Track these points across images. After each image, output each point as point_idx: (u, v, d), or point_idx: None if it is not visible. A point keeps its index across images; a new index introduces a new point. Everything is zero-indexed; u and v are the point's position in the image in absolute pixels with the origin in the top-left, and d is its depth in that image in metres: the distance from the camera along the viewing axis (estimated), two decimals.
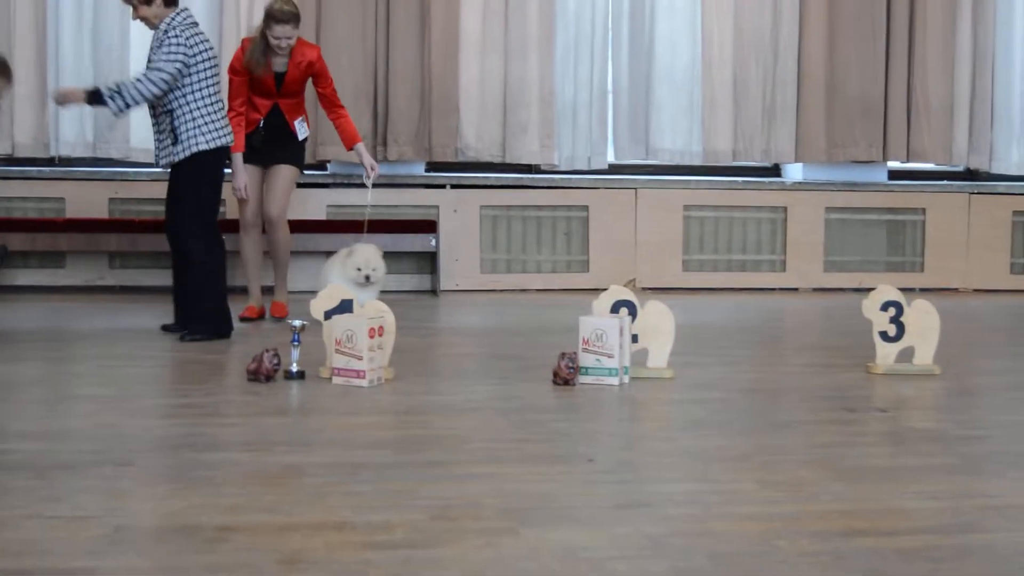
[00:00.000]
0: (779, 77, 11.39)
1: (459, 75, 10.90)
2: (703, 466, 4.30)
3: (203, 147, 7.23)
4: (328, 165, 10.76)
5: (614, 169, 11.38)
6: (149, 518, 3.53)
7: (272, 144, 8.21)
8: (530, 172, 11.18)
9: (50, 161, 10.54)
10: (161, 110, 7.22)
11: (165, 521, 3.50)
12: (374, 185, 8.58)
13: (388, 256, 10.38)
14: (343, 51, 10.55)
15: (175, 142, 7.22)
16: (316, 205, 10.53)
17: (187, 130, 7.20)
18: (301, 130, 8.33)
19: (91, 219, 10.07)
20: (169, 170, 7.37)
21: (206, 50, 7.24)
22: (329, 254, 9.60)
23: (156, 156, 7.38)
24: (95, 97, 7.08)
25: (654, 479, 4.13)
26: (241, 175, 8.07)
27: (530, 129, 11.02)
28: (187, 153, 7.20)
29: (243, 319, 8.06)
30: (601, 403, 5.52)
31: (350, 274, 7.70)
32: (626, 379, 5.99)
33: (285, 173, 8.26)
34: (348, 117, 8.45)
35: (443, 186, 10.88)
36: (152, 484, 3.93)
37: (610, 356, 5.93)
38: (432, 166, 11.05)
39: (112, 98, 7.03)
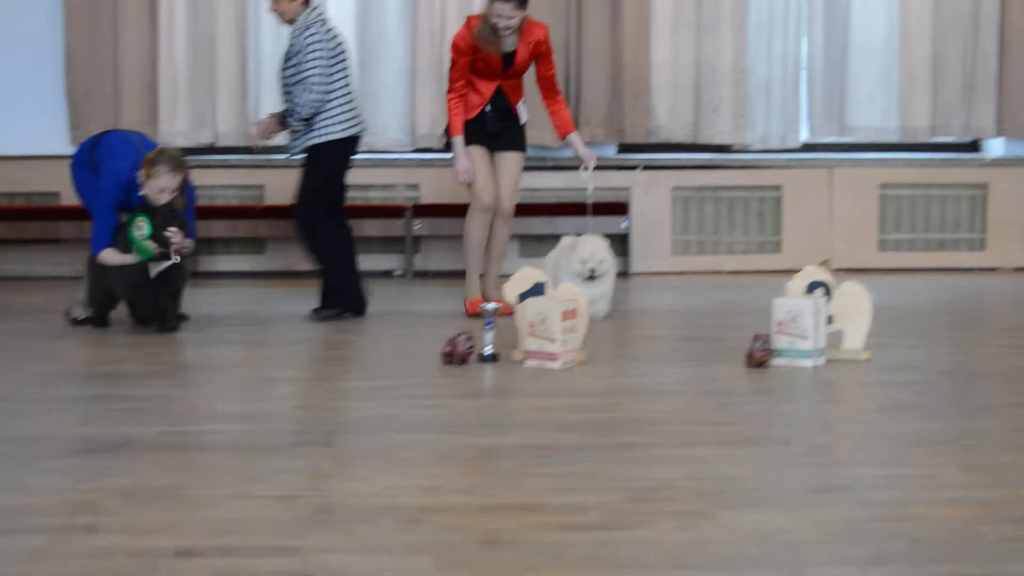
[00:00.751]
0: (980, 49, 11.08)
1: (650, 55, 10.85)
2: (902, 449, 4.23)
3: (331, 136, 7.58)
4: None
5: (808, 148, 11.22)
6: (350, 498, 3.61)
7: (502, 128, 7.90)
8: (723, 152, 11.09)
9: (250, 150, 10.79)
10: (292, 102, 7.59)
11: (365, 501, 3.57)
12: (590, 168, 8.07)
13: None
14: None
15: (308, 131, 7.60)
16: None
17: (319, 120, 7.57)
18: (523, 113, 8.01)
19: (290, 206, 10.28)
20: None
21: (337, 45, 7.62)
22: (518, 238, 9.71)
23: (289, 145, 7.79)
24: (283, 122, 7.72)
25: (852, 462, 4.08)
26: (463, 159, 7.76)
27: (723, 108, 10.93)
28: (316, 141, 7.58)
29: (472, 315, 7.60)
30: (796, 385, 5.46)
31: (574, 267, 7.53)
32: (821, 361, 5.91)
33: (515, 161, 7.99)
34: (564, 105, 8.05)
35: (635, 167, 10.86)
36: (352, 465, 4.01)
37: (805, 338, 5.86)
38: (624, 147, 11.04)
39: (292, 115, 7.59)
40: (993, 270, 10.95)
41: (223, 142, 10.60)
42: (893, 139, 11.12)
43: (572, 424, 4.65)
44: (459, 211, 9.60)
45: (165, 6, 10.66)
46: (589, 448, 4.23)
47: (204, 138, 10.69)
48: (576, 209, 10.30)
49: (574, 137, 8.02)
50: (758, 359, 5.84)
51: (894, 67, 11.07)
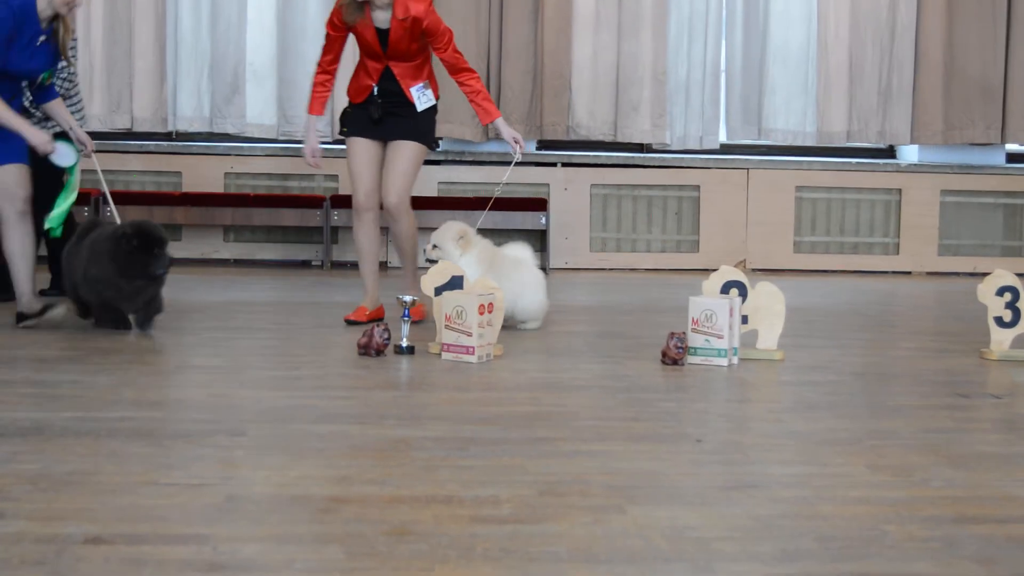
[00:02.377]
0: (896, 57, 11.25)
1: (572, 53, 10.91)
2: (812, 448, 4.27)
3: None
4: (439, 141, 10.81)
5: (726, 149, 11.32)
6: (261, 487, 3.58)
7: (390, 115, 7.11)
8: (641, 151, 11.16)
9: (168, 136, 10.70)
10: None
11: (277, 490, 3.54)
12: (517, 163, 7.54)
13: (498, 233, 10.46)
14: (456, 28, 10.57)
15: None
16: (428, 182, 10.58)
17: None
18: (420, 98, 7.11)
19: (207, 193, 10.22)
20: None
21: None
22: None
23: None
24: None
25: (763, 460, 4.11)
26: (310, 139, 7.21)
27: (642, 108, 11.00)
28: None
29: (349, 322, 7.10)
30: (710, 383, 5.50)
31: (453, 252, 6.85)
32: (735, 360, 5.96)
33: (404, 152, 7.10)
34: (478, 85, 7.13)
35: (554, 164, 10.89)
36: (264, 454, 3.99)
37: (719, 337, 5.91)
38: (544, 144, 11.07)
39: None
40: (906, 274, 11.09)
41: (139, 127, 10.51)
42: (810, 143, 11.26)
43: (487, 417, 4.65)
44: None
45: None
46: (503, 442, 4.24)
47: (121, 123, 10.59)
48: (496, 204, 10.33)
49: (499, 123, 7.21)
50: (673, 356, 5.88)
51: (811, 72, 11.21)
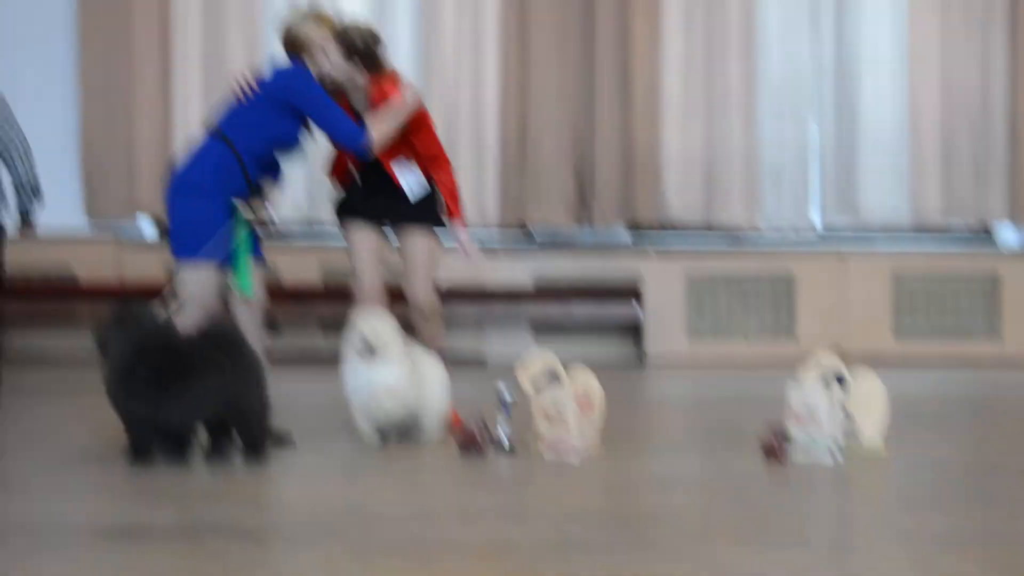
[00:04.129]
0: (990, 136, 11.14)
1: (661, 139, 10.93)
2: (921, 548, 4.19)
3: None
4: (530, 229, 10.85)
5: (820, 234, 11.25)
6: None
7: (383, 197, 6.61)
8: (734, 236, 11.12)
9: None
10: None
11: None
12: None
13: (590, 325, 10.44)
14: (547, 116, 10.66)
15: None
16: (520, 272, 10.59)
17: None
18: (407, 181, 6.58)
19: (304, 288, 10.33)
20: None
21: None
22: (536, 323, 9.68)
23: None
24: None
25: (869, 561, 4.04)
26: None
27: (733, 191, 10.98)
28: None
29: None
30: (813, 480, 5.43)
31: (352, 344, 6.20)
32: (838, 454, 5.88)
33: (419, 246, 6.66)
34: (447, 178, 6.63)
35: (647, 252, 10.89)
36: (366, 555, 3.98)
37: (821, 430, 5.83)
38: (634, 228, 11.06)
39: None
40: (1010, 359, 10.90)
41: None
42: (905, 225, 11.15)
43: (589, 517, 4.62)
44: (470, 296, 9.63)
45: (179, 85, 10.77)
46: (606, 543, 4.20)
47: None
48: (592, 294, 10.34)
49: (459, 230, 6.71)
50: (773, 451, 5.81)
51: (904, 154, 11.13)
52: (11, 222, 7.18)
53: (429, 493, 5.07)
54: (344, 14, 7.77)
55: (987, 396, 8.76)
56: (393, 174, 6.54)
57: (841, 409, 5.95)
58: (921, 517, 4.69)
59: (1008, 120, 11.16)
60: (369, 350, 6.06)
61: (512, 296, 10.31)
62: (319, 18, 6.31)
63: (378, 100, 6.42)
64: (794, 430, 5.88)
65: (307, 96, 6.11)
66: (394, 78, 6.58)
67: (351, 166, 6.60)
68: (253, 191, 6.19)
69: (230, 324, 5.86)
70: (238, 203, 6.11)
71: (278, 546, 4.11)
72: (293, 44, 6.24)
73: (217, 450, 5.60)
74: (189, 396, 5.40)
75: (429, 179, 6.63)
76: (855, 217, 11.22)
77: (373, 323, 6.13)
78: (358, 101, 6.47)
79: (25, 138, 7.08)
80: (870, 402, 6.08)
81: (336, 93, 6.36)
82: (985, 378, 9.79)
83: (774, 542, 4.27)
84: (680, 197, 10.98)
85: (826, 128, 11.19)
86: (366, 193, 6.61)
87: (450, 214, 6.65)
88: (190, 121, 10.75)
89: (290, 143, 6.24)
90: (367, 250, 6.66)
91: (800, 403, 5.87)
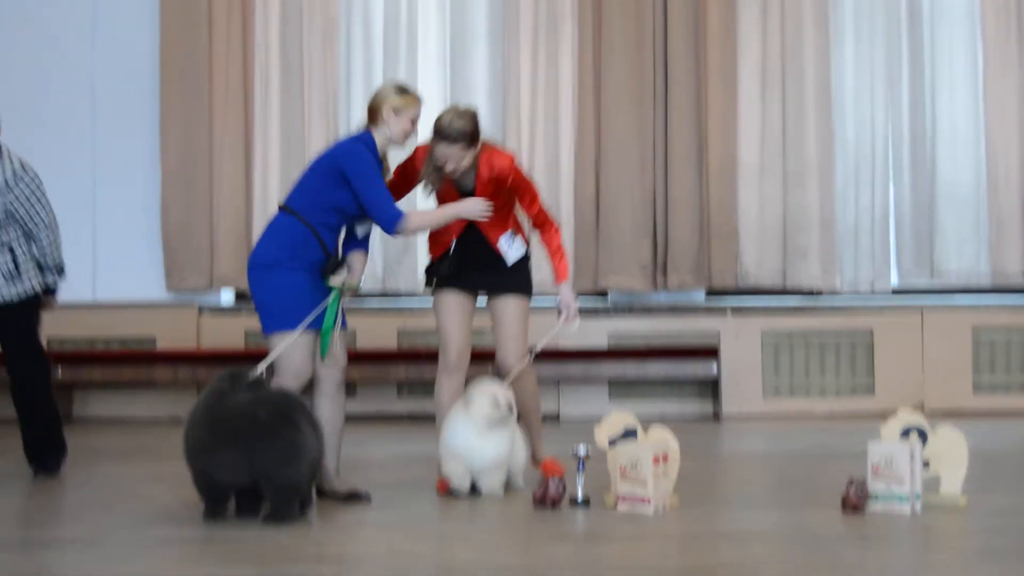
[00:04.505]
0: None
1: (737, 202, 10.93)
2: None
3: None
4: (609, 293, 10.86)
5: (898, 292, 11.17)
6: None
7: (479, 268, 6.72)
8: (811, 296, 11.07)
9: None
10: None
11: None
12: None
13: (670, 383, 10.45)
14: (623, 181, 10.71)
15: None
16: (597, 334, 10.60)
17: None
18: (511, 250, 6.73)
19: (381, 351, 10.40)
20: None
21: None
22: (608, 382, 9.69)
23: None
24: None
25: None
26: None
27: (810, 254, 10.94)
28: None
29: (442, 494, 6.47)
30: (893, 532, 5.38)
31: (486, 412, 6.22)
32: (918, 507, 5.82)
33: (510, 311, 6.76)
34: (558, 240, 6.81)
35: (724, 312, 10.86)
36: None
37: (901, 482, 5.78)
38: (712, 292, 11.05)
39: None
40: None
41: None
42: (984, 283, 11.05)
43: (666, 570, 4.61)
44: (546, 356, 9.68)
45: (259, 159, 10.93)
46: None
47: None
48: (667, 354, 10.35)
49: (563, 287, 6.80)
50: (853, 504, 5.77)
51: (983, 212, 11.05)
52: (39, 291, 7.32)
53: (505, 547, 5.08)
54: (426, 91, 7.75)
55: None
56: (498, 249, 6.70)
57: (921, 462, 5.90)
58: (1000, 568, 4.63)
59: None
60: (507, 413, 6.22)
61: (588, 355, 10.31)
62: (399, 89, 6.35)
63: (485, 174, 6.55)
64: (873, 483, 5.84)
65: (355, 168, 6.16)
66: (495, 150, 6.67)
67: (453, 242, 6.70)
68: (334, 260, 6.25)
69: (289, 394, 5.85)
70: (331, 272, 6.21)
71: None
72: (370, 111, 6.34)
73: (241, 511, 5.70)
74: (230, 457, 5.51)
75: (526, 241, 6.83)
76: (934, 277, 11.13)
77: (502, 391, 6.27)
78: (465, 178, 6.56)
79: (54, 216, 7.27)
80: (950, 455, 6.03)
81: (440, 174, 6.49)
82: None
83: None
84: (757, 262, 10.95)
85: (903, 189, 11.13)
86: (462, 260, 6.70)
87: (556, 274, 6.79)
88: (269, 197, 10.89)
89: (352, 210, 6.28)
90: (457, 317, 6.75)
91: (880, 456, 5.83)
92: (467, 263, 6.71)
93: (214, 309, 10.89)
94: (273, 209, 10.84)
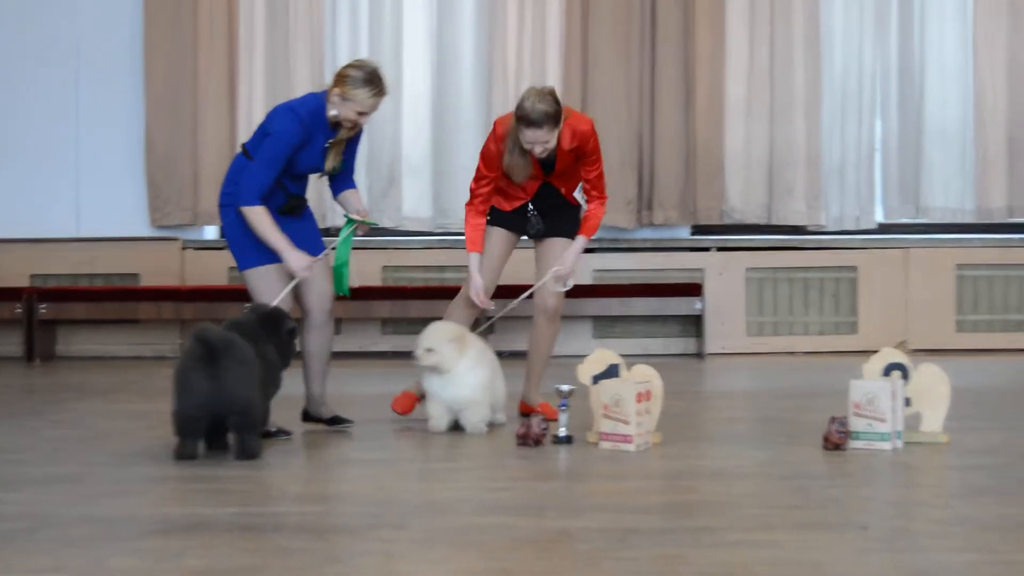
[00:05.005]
0: None
1: (724, 139, 10.90)
2: (982, 535, 4.17)
3: None
4: None
5: (883, 229, 11.18)
6: None
7: (544, 214, 6.82)
8: (796, 234, 11.07)
9: (325, 231, 10.89)
10: None
11: None
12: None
13: (653, 320, 10.45)
14: (609, 118, 10.65)
15: None
16: (582, 271, 10.60)
17: None
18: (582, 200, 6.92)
19: (364, 286, 10.37)
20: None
21: None
22: (592, 319, 9.68)
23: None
24: None
25: (931, 548, 4.02)
26: (475, 278, 6.69)
27: (796, 190, 10.93)
28: None
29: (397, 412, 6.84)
30: (874, 469, 5.41)
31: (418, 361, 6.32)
32: (899, 444, 5.85)
33: (560, 249, 6.80)
34: (600, 211, 6.80)
35: (708, 249, 10.85)
36: (426, 548, 4.01)
37: (882, 420, 5.80)
38: (697, 229, 11.05)
39: None
40: None
41: None
42: (969, 220, 11.06)
43: (648, 507, 4.63)
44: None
45: (244, 93, 10.85)
46: (665, 532, 4.21)
47: None
48: (651, 290, 10.35)
49: (576, 246, 6.79)
50: (835, 442, 5.79)
51: (969, 149, 11.04)
52: None
53: (488, 485, 5.09)
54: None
55: None
56: (573, 199, 6.85)
57: (903, 400, 5.92)
58: (981, 504, 4.67)
59: None
60: (435, 370, 6.25)
61: (572, 292, 10.28)
62: (365, 79, 6.25)
63: (566, 144, 6.54)
64: (855, 421, 5.86)
65: (268, 135, 6.26)
66: (573, 116, 6.63)
67: (528, 203, 6.76)
68: (295, 198, 6.39)
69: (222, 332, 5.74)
70: (290, 210, 6.36)
71: (340, 539, 4.15)
72: (333, 78, 6.36)
73: (213, 446, 5.76)
74: (199, 390, 5.50)
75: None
76: (919, 213, 11.14)
77: (434, 340, 6.26)
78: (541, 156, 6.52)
79: None
80: (932, 392, 6.05)
81: (527, 158, 6.52)
82: None
83: (833, 528, 4.26)
84: (742, 198, 10.93)
85: (890, 125, 11.11)
86: (538, 231, 6.80)
87: (584, 232, 6.78)
88: (254, 130, 10.83)
89: (299, 169, 6.36)
90: (497, 254, 6.81)
91: (862, 394, 5.85)
92: (542, 212, 6.79)
93: (198, 245, 10.86)
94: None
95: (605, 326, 10.65)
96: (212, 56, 10.78)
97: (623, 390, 5.82)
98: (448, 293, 10.23)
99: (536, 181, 6.71)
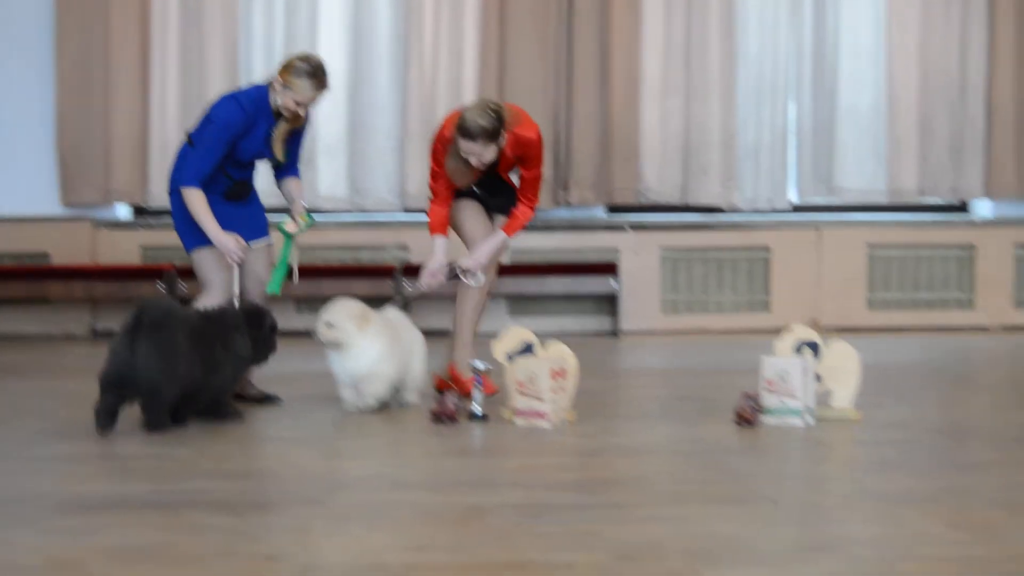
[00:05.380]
0: (967, 113, 11.19)
1: (640, 119, 10.95)
2: (890, 508, 4.23)
3: None
4: None
5: (797, 209, 11.29)
6: (338, 557, 3.60)
7: (489, 194, 6.93)
8: (711, 213, 11.16)
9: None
10: None
11: (353, 560, 3.56)
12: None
13: (568, 299, 10.49)
14: (525, 98, 10.66)
15: None
16: None
17: None
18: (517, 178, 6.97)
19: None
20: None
21: None
22: (506, 298, 9.71)
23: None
24: None
25: (840, 521, 4.08)
26: (437, 257, 6.82)
27: (711, 171, 11.02)
28: None
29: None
30: (785, 444, 5.47)
31: (318, 331, 6.35)
32: (810, 420, 5.92)
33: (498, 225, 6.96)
34: (528, 216, 6.86)
35: (624, 228, 10.91)
36: (340, 524, 4.00)
37: (793, 397, 5.87)
38: (613, 209, 11.10)
39: None
40: (982, 329, 10.98)
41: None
42: (881, 201, 11.20)
43: (561, 483, 4.65)
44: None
45: (157, 72, 10.76)
46: (578, 507, 4.23)
47: None
48: (567, 269, 10.39)
49: (487, 245, 6.83)
50: (747, 418, 5.85)
51: (881, 131, 11.18)
52: None
53: (402, 461, 5.10)
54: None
55: (957, 363, 8.82)
56: (508, 179, 6.88)
57: (814, 376, 5.99)
58: (889, 478, 4.73)
59: (985, 98, 11.20)
60: (334, 345, 6.26)
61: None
62: (309, 71, 6.45)
63: (510, 152, 6.65)
64: (767, 398, 5.92)
65: (210, 125, 6.43)
66: (521, 124, 6.68)
67: (472, 186, 6.83)
68: (238, 184, 6.62)
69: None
70: (234, 196, 6.62)
71: (253, 515, 4.13)
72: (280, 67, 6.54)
73: (176, 421, 5.85)
74: (115, 359, 5.59)
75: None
76: (832, 194, 11.26)
77: (335, 316, 6.29)
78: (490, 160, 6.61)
79: None
80: (843, 369, 6.13)
81: (467, 165, 6.59)
82: (956, 345, 9.86)
83: (744, 502, 4.31)
84: (658, 178, 11.00)
85: (804, 107, 11.22)
86: (483, 195, 6.90)
87: (503, 231, 6.85)
88: (167, 109, 10.75)
89: (242, 156, 6.56)
90: (479, 219, 6.90)
91: (773, 371, 5.91)
92: (487, 190, 6.89)
93: (110, 224, 10.75)
94: (171, 122, 10.76)
95: (521, 305, 10.68)
96: (125, 32, 10.67)
97: (538, 367, 5.85)
98: (362, 273, 10.23)
99: (479, 171, 6.71)
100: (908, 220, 11.24)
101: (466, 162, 6.58)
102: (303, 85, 6.41)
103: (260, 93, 6.51)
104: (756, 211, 11.14)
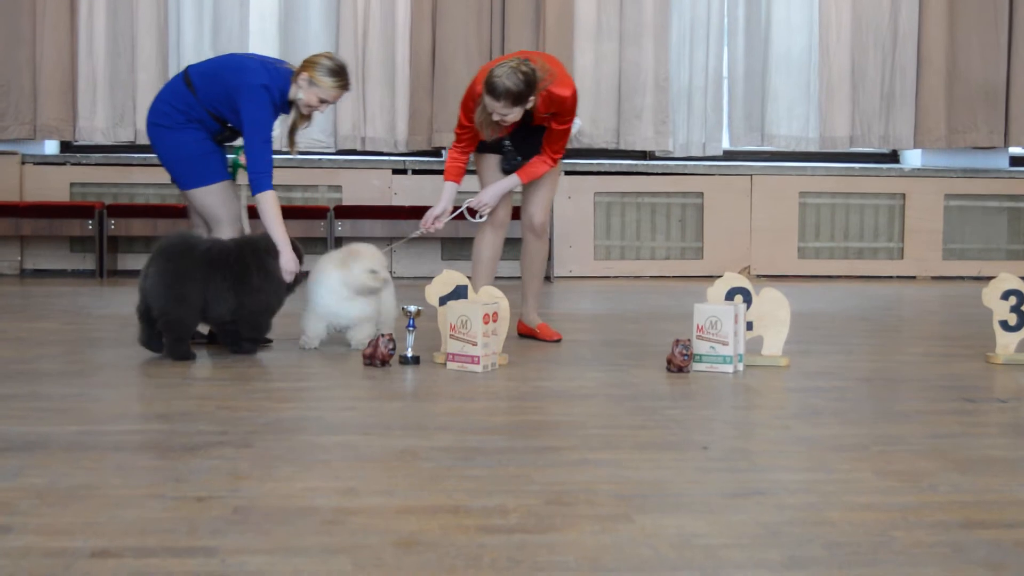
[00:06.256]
0: (898, 62, 11.26)
1: (573, 61, 10.91)
2: (819, 455, 4.27)
3: None
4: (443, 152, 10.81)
5: (729, 155, 11.33)
6: (268, 499, 3.59)
7: (520, 149, 6.80)
8: (644, 159, 11.17)
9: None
10: None
11: (283, 502, 3.55)
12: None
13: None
14: (458, 41, 10.61)
15: None
16: (431, 191, 10.58)
17: None
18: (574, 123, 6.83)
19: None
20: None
21: None
22: (441, 240, 9.70)
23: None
24: None
25: (769, 467, 4.11)
26: (442, 203, 6.82)
27: (644, 115, 11.01)
28: None
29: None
30: (715, 390, 5.50)
31: (360, 279, 6.37)
32: (740, 367, 5.96)
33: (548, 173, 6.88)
34: (548, 166, 6.80)
35: None
36: (271, 466, 3.99)
37: (724, 343, 5.90)
38: None
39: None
40: (911, 278, 11.09)
41: (142, 140, 10.52)
42: (813, 149, 11.27)
43: (493, 427, 4.65)
44: (380, 213, 9.73)
45: (85, 5, 10.58)
46: (509, 451, 4.24)
47: (124, 136, 10.61)
48: None
49: (505, 183, 6.79)
50: (678, 364, 5.88)
51: (814, 79, 11.22)
52: None
53: (334, 405, 5.08)
54: None
55: (886, 312, 8.90)
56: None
57: (745, 324, 6.03)
58: (818, 425, 4.78)
59: (915, 47, 11.26)
60: (383, 286, 6.42)
61: (420, 213, 10.25)
62: (332, 69, 6.48)
63: (543, 109, 6.55)
64: (698, 344, 5.95)
65: (250, 113, 6.34)
66: (557, 82, 6.56)
67: (505, 140, 6.73)
68: (231, 129, 6.57)
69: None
70: (227, 141, 6.64)
71: (183, 458, 4.10)
72: (301, 64, 6.54)
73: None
74: (142, 285, 6.02)
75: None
76: (764, 141, 11.30)
77: (378, 263, 6.41)
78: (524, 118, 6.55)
79: None
80: (773, 317, 6.17)
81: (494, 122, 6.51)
82: (886, 294, 9.95)
83: (674, 448, 4.33)
84: (591, 122, 10.98)
85: (736, 51, 11.23)
86: (512, 166, 6.80)
87: (520, 176, 6.79)
88: (95, 43, 10.59)
89: (236, 123, 6.50)
90: (496, 168, 6.84)
91: (705, 318, 5.94)
92: (516, 142, 6.78)
93: (37, 160, 10.60)
94: (99, 56, 10.59)
95: (454, 248, 10.65)
96: None
97: (470, 311, 5.83)
98: (294, 213, 10.16)
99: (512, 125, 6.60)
100: (839, 168, 11.31)
101: (492, 121, 6.49)
102: (329, 82, 6.43)
103: (286, 83, 6.47)
104: (689, 157, 11.16)
